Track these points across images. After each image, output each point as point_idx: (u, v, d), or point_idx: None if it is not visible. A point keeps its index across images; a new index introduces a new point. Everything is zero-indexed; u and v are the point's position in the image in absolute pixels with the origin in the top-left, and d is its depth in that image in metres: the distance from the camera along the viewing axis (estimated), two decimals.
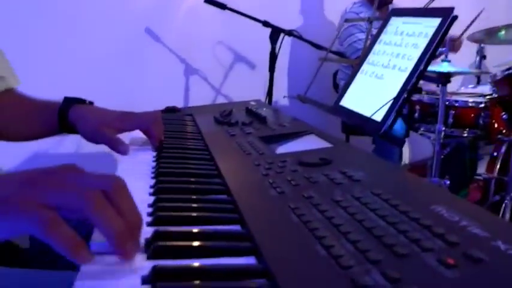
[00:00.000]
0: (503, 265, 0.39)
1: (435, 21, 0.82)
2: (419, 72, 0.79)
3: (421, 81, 1.03)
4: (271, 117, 1.12)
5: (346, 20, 1.55)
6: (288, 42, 2.03)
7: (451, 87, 2.00)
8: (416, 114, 2.13)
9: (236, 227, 0.54)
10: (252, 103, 1.40)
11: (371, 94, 0.88)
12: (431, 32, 0.81)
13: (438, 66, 1.82)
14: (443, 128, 1.88)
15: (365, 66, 0.96)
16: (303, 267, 0.42)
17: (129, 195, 0.47)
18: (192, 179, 0.71)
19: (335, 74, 2.33)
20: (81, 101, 0.96)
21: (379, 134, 0.78)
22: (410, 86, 0.78)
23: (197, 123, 1.16)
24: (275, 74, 1.79)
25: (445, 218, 0.49)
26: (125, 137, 0.98)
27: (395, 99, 0.78)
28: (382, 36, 0.96)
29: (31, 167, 0.66)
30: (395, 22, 0.96)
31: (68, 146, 1.79)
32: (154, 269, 0.42)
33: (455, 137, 2.11)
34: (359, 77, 0.96)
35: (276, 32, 1.71)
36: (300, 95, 1.14)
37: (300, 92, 1.26)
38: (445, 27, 0.79)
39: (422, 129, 2.13)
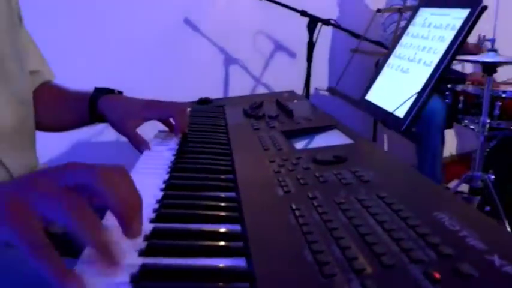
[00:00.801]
0: (493, 284, 0.38)
1: (463, 12, 0.77)
2: (444, 67, 0.75)
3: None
4: (299, 111, 1.11)
5: (378, 11, 1.50)
6: (329, 32, 1.99)
7: (498, 77, 1.90)
8: (460, 105, 2.03)
9: (236, 227, 0.54)
10: (285, 95, 1.39)
11: (396, 89, 0.85)
12: (458, 24, 0.77)
13: (484, 56, 1.72)
14: (489, 120, 1.79)
15: (392, 60, 0.92)
16: (286, 272, 0.42)
17: (126, 181, 0.48)
18: (205, 175, 0.71)
19: (376, 64, 2.26)
20: (110, 91, 0.99)
21: (400, 131, 0.76)
22: (434, 82, 0.75)
23: (226, 116, 1.16)
24: (315, 64, 1.77)
25: (444, 227, 0.47)
26: (152, 128, 1.01)
27: (418, 95, 0.75)
28: (410, 28, 0.92)
29: (72, 157, 0.70)
30: (423, 13, 0.91)
31: (109, 135, 1.86)
32: (142, 267, 0.43)
33: (502, 130, 2.00)
34: (385, 70, 0.93)
35: (313, 22, 1.68)
36: (331, 87, 1.12)
37: (342, 86, 1.24)
38: (473, 19, 0.75)
39: (466, 121, 2.04)
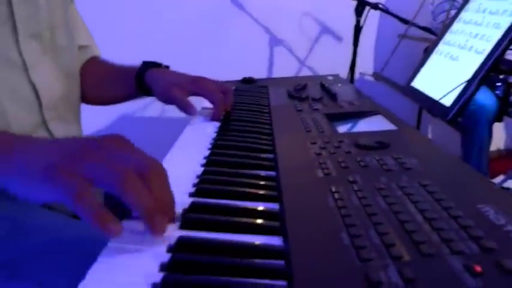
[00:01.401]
0: None
1: None
2: (497, 55, 0.71)
3: None
4: (343, 94, 1.09)
5: None
6: (376, 17, 1.93)
7: None
8: (511, 98, 1.95)
9: (274, 206, 0.55)
10: (329, 78, 1.37)
11: (443, 76, 0.82)
12: None
13: None
14: None
15: (441, 46, 0.89)
16: (322, 253, 0.42)
17: (163, 179, 0.47)
18: (245, 153, 0.72)
19: (425, 51, 2.18)
20: (157, 65, 1.01)
21: (446, 120, 0.73)
22: (485, 71, 0.72)
23: (269, 96, 1.16)
24: (361, 49, 1.73)
25: (489, 220, 0.46)
26: (195, 104, 1.02)
27: (467, 84, 0.72)
28: (462, 14, 0.88)
29: (118, 130, 0.74)
30: None
31: (153, 111, 1.90)
32: (179, 239, 0.44)
33: None
34: (433, 57, 0.89)
35: (361, 5, 1.64)
36: (376, 73, 1.09)
37: (389, 72, 1.21)
38: None
39: None
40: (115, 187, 0.43)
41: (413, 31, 1.44)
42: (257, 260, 0.42)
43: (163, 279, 0.39)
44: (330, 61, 1.87)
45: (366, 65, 1.66)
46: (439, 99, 0.76)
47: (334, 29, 2.06)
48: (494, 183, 2.02)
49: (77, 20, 1.01)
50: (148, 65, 1.00)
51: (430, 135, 2.58)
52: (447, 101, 0.77)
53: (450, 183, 0.56)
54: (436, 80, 0.86)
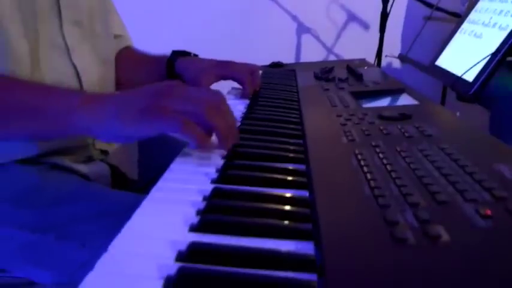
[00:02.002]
0: None
1: None
2: None
3: None
4: (369, 75, 1.12)
5: None
6: (403, 2, 1.94)
7: None
8: None
9: (301, 166, 0.59)
10: (356, 62, 1.40)
11: (467, 54, 0.84)
12: None
13: None
14: None
15: (465, 25, 0.91)
16: (344, 201, 0.46)
17: (228, 106, 0.62)
18: (274, 124, 0.76)
19: None
20: (187, 54, 1.06)
21: (468, 95, 0.75)
22: (508, 46, 0.74)
23: (296, 78, 1.20)
24: (389, 35, 1.74)
25: (503, 175, 0.49)
26: (225, 86, 1.06)
27: (490, 60, 0.74)
28: None
29: None
30: None
31: None
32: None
33: None
34: (458, 36, 0.91)
35: None
36: (402, 54, 1.12)
37: (414, 54, 1.22)
38: None
39: None
40: (202, 116, 0.57)
41: (441, 14, 1.45)
42: (288, 208, 0.46)
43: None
44: (357, 48, 1.88)
45: (393, 50, 1.67)
46: (461, 75, 0.79)
47: (361, 16, 2.07)
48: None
49: (112, 11, 1.07)
50: (178, 54, 1.05)
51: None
52: (470, 77, 0.80)
53: (468, 147, 0.59)
54: (459, 58, 0.88)
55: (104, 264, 0.37)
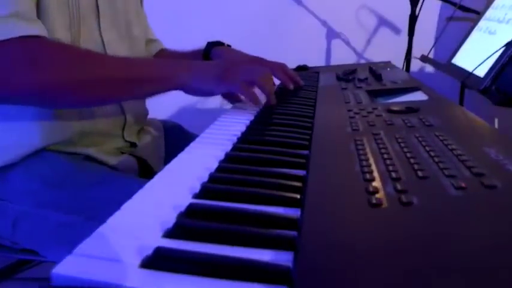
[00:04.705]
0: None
1: None
2: None
3: None
4: (389, 76, 1.15)
5: None
6: (436, 5, 1.93)
7: None
8: None
9: (305, 152, 0.63)
10: (380, 64, 1.43)
11: (481, 51, 0.86)
12: None
13: None
14: None
15: (481, 23, 0.93)
16: (333, 176, 0.50)
17: (271, 76, 0.96)
18: (287, 117, 0.81)
19: None
20: (221, 44, 1.15)
21: (479, 90, 0.78)
22: None
23: (319, 79, 1.24)
24: (421, 38, 1.74)
25: (488, 157, 0.52)
26: None
27: (501, 54, 0.76)
28: None
29: (179, 120, 1.16)
30: None
31: (211, 103, 2.07)
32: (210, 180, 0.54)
33: None
34: (474, 33, 0.93)
35: None
36: (424, 55, 1.14)
37: (440, 55, 1.23)
38: None
39: None
40: (255, 82, 0.87)
41: (465, 13, 1.45)
42: (281, 183, 0.51)
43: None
44: (387, 52, 1.90)
45: (423, 51, 1.67)
46: (472, 71, 0.81)
47: (392, 20, 2.09)
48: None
49: (145, 17, 1.16)
50: (212, 44, 1.13)
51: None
52: (481, 72, 0.81)
53: (465, 135, 0.62)
54: (474, 55, 0.90)
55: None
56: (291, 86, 1.04)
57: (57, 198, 0.79)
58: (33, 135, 0.83)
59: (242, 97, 0.98)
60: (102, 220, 0.77)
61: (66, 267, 0.34)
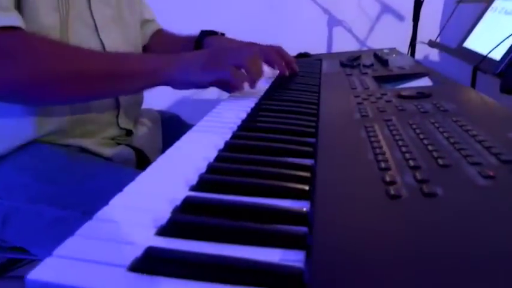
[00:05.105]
0: None
1: None
2: None
3: None
4: (395, 61, 1.10)
5: None
6: None
7: None
8: None
9: (312, 140, 0.58)
10: (385, 50, 1.38)
11: (497, 32, 0.81)
12: None
13: None
14: None
15: (496, 3, 0.87)
16: (344, 165, 0.46)
17: (260, 61, 0.87)
18: (290, 103, 0.76)
19: None
20: (214, 33, 1.09)
21: (495, 74, 0.73)
22: None
23: (322, 66, 1.19)
24: (427, 24, 1.69)
25: None
26: None
27: None
28: None
29: (176, 111, 1.09)
30: None
31: (210, 93, 2.00)
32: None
33: None
34: (488, 14, 0.88)
35: None
36: (431, 40, 1.09)
37: (448, 39, 1.18)
38: None
39: None
40: (244, 65, 0.80)
41: None
42: (289, 168, 0.46)
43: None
44: (391, 39, 1.84)
45: (429, 37, 1.61)
46: (488, 54, 0.76)
47: (395, 7, 2.03)
48: None
49: (139, 1, 1.10)
50: (205, 33, 1.07)
51: None
52: (497, 55, 0.77)
53: (484, 120, 0.57)
54: (488, 38, 0.85)
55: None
56: (287, 73, 0.99)
57: (51, 193, 0.75)
58: (22, 126, 0.79)
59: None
60: None
61: (44, 272, 0.30)
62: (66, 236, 0.74)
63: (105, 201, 0.72)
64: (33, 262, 0.85)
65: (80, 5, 0.82)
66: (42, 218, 0.74)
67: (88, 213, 0.72)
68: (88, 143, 0.85)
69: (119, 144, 0.92)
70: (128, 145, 0.94)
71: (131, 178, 0.77)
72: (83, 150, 0.85)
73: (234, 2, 2.07)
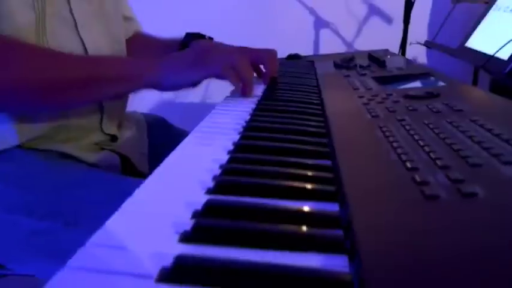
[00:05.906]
0: None
1: None
2: None
3: None
4: (392, 62, 1.09)
5: None
6: None
7: None
8: None
9: (323, 140, 0.56)
10: (378, 52, 1.36)
11: (502, 31, 0.80)
12: None
13: None
14: None
15: (500, 1, 0.86)
16: (369, 166, 0.43)
17: (249, 63, 0.84)
18: (293, 104, 0.74)
19: None
20: (201, 36, 1.02)
21: (503, 74, 0.71)
22: None
23: (315, 68, 1.17)
24: (414, 26, 1.69)
25: None
26: None
27: None
28: None
29: (162, 113, 1.08)
30: None
31: (193, 96, 1.97)
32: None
33: None
34: (491, 13, 0.86)
35: None
36: (428, 41, 1.08)
37: (443, 40, 1.17)
38: None
39: None
40: (236, 67, 0.78)
41: None
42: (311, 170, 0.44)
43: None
44: (379, 42, 1.84)
45: (418, 39, 1.61)
46: (494, 54, 0.75)
47: (383, 8, 2.03)
48: None
49: None
50: (191, 36, 1.02)
51: None
52: (505, 55, 0.75)
53: (503, 118, 0.55)
54: (493, 37, 0.83)
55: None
56: (266, 82, 0.94)
57: (28, 202, 0.69)
58: (2, 133, 0.74)
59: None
60: (84, 225, 0.67)
61: (59, 285, 0.26)
62: (49, 249, 0.69)
63: (91, 211, 0.67)
64: (7, 277, 0.79)
65: (59, 2, 0.77)
66: (18, 229, 0.69)
67: (72, 224, 0.68)
68: (69, 148, 0.81)
69: (103, 149, 0.88)
70: (112, 150, 0.89)
71: (120, 185, 0.73)
72: (66, 156, 0.80)
73: (217, 3, 2.04)
